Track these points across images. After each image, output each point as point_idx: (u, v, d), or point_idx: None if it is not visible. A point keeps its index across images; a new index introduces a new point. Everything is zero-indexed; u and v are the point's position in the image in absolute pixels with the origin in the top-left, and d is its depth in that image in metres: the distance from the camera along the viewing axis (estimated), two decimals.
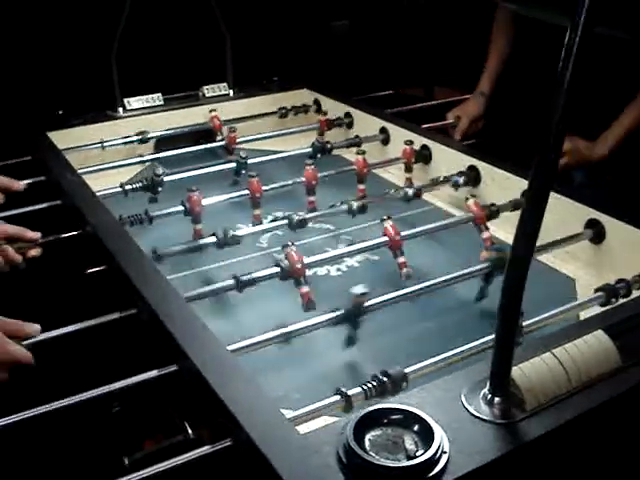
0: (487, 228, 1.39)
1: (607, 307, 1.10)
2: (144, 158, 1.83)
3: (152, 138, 1.92)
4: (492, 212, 1.40)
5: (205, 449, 0.80)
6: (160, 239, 1.32)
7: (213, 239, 1.31)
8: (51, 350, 1.06)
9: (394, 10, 2.76)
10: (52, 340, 1.04)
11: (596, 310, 1.09)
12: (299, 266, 1.19)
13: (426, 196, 1.67)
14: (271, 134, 1.99)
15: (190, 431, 0.92)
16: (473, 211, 1.39)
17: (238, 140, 1.92)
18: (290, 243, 1.22)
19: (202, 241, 1.34)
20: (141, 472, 0.78)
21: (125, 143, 1.87)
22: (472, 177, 1.62)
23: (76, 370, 1.25)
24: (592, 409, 0.81)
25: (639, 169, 1.77)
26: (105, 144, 1.84)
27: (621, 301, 1.12)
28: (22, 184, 1.47)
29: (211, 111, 2.01)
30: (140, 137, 1.89)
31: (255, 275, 1.17)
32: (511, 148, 1.77)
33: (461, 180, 1.60)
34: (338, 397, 0.87)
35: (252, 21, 2.34)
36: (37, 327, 1.04)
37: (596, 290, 1.15)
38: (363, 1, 2.70)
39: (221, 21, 2.11)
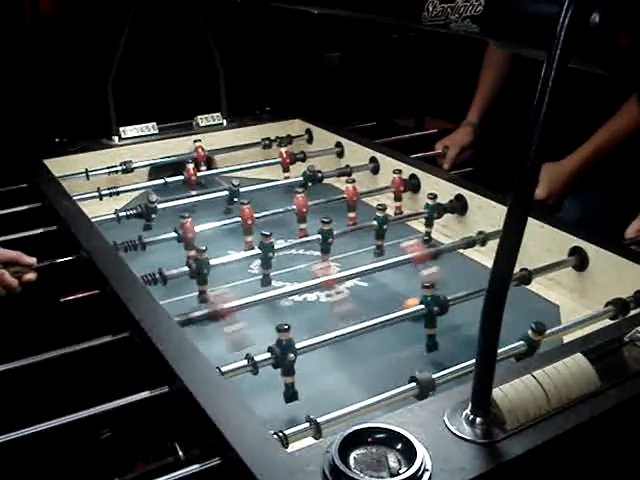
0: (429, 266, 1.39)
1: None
2: (137, 186, 1.86)
3: (137, 168, 1.93)
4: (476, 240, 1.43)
5: (195, 467, 0.82)
6: (153, 265, 1.34)
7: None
8: (44, 372, 1.08)
9: (385, 43, 2.81)
10: (45, 362, 1.06)
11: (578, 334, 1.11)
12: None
13: (415, 225, 1.70)
14: (251, 164, 2.02)
15: (181, 453, 0.94)
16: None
17: (225, 169, 1.99)
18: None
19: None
20: None
21: (109, 173, 1.88)
22: (459, 206, 1.66)
23: (68, 392, 1.26)
24: (571, 430, 0.83)
25: (628, 196, 1.81)
26: (90, 174, 1.85)
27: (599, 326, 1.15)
28: (34, 259, 1.32)
29: (195, 141, 2.03)
30: (124, 167, 1.90)
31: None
32: (499, 177, 1.80)
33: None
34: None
35: (246, 52, 2.39)
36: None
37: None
38: (354, 34, 2.75)
39: (215, 52, 2.15)
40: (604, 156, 1.76)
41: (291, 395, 1.07)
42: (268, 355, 1.05)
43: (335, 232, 1.49)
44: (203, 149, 2.01)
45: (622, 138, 1.74)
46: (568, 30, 0.69)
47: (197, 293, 1.35)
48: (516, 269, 1.29)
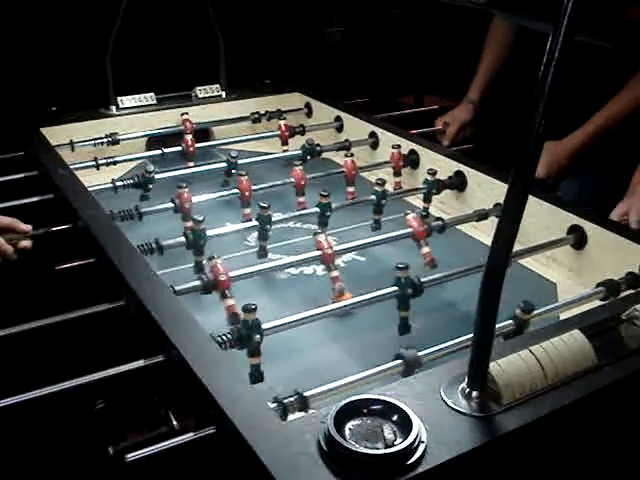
0: (427, 244, 1.37)
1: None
2: (135, 156, 1.85)
3: (128, 139, 1.91)
4: (433, 227, 1.39)
5: (189, 436, 0.82)
6: (150, 235, 1.33)
7: None
8: (38, 340, 1.08)
9: (386, 19, 2.79)
10: (39, 329, 1.05)
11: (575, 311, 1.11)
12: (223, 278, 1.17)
13: (413, 200, 1.69)
14: (249, 136, 2.02)
15: (175, 422, 0.94)
16: (412, 226, 1.37)
17: (223, 141, 1.99)
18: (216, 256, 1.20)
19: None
20: (125, 457, 0.80)
21: (95, 144, 1.86)
22: (458, 182, 1.65)
23: (63, 360, 1.26)
24: (567, 405, 0.83)
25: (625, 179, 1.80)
26: (85, 143, 1.84)
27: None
28: (29, 227, 1.32)
29: (182, 114, 1.99)
30: (109, 139, 1.87)
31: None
32: (500, 154, 1.79)
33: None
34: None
35: (246, 24, 2.37)
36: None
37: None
38: (356, 9, 2.73)
39: (215, 23, 2.13)
40: (604, 137, 1.75)
41: (257, 377, 1.05)
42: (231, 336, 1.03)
43: (333, 206, 1.48)
44: (191, 121, 1.97)
45: (623, 119, 1.73)
46: (575, 2, 0.68)
47: (193, 264, 1.34)
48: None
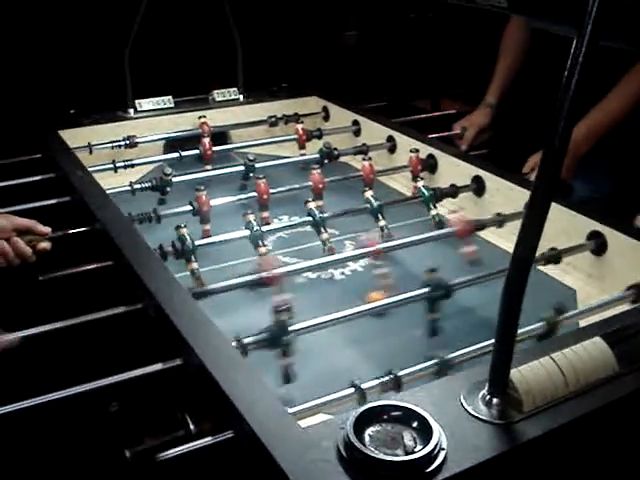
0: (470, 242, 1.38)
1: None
2: (152, 159, 1.85)
3: (140, 143, 1.90)
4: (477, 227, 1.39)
5: (207, 440, 0.82)
6: (168, 238, 1.33)
7: None
8: (56, 342, 1.08)
9: (403, 22, 2.79)
10: (56, 332, 1.05)
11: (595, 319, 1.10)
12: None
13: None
14: (266, 140, 2.02)
15: (192, 426, 0.94)
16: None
17: (240, 145, 1.98)
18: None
19: None
20: (143, 462, 0.80)
21: (112, 147, 1.86)
22: (477, 187, 1.64)
23: (80, 363, 1.26)
24: (588, 413, 0.82)
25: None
26: (104, 145, 1.84)
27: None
28: (48, 229, 1.33)
29: (200, 117, 1.99)
30: (127, 142, 1.87)
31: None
32: (518, 159, 1.78)
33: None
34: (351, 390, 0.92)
35: (264, 29, 2.37)
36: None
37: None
38: (372, 13, 2.73)
39: (233, 27, 2.13)
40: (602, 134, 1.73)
41: (288, 377, 1.05)
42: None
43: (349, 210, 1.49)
44: (208, 125, 1.97)
45: (619, 116, 1.70)
46: (600, 6, 0.67)
47: (209, 268, 1.34)
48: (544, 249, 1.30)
